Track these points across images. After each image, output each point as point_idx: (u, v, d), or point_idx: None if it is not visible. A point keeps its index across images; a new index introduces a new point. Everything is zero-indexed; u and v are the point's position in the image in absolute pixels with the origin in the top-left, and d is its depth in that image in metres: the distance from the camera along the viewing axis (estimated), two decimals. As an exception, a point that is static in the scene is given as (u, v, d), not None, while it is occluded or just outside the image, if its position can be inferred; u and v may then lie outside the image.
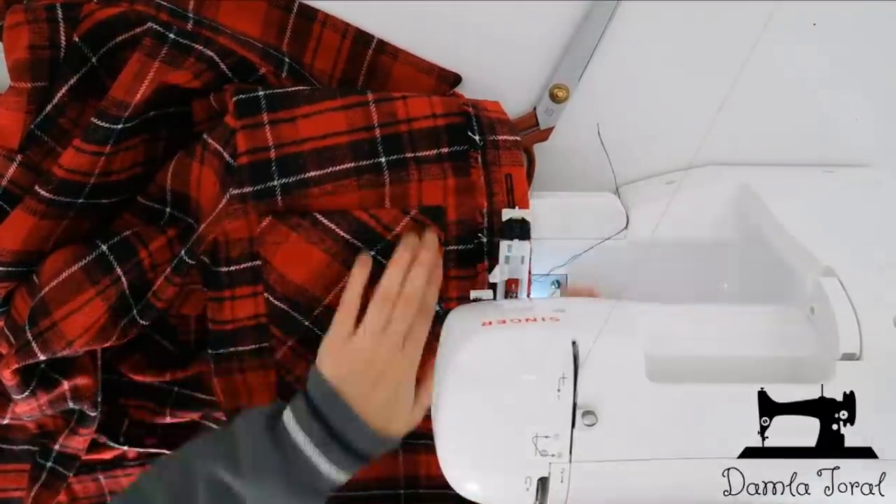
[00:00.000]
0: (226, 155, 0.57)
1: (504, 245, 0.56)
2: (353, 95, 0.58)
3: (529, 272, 0.58)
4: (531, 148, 0.68)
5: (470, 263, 0.58)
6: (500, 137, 0.59)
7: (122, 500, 0.55)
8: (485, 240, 0.58)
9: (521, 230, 0.56)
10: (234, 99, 0.57)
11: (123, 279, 0.58)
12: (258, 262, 0.58)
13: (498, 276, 0.57)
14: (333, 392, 0.52)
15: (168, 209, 0.63)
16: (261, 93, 0.57)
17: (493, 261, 0.58)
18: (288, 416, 0.53)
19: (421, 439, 0.64)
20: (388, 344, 0.54)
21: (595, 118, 0.68)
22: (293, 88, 0.58)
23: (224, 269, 0.58)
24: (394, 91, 0.65)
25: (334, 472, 0.52)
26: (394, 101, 0.58)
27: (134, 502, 0.54)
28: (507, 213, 0.57)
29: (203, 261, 0.58)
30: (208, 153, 0.59)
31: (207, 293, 0.60)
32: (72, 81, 0.58)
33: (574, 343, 0.48)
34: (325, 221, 0.58)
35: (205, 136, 0.59)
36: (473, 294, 0.57)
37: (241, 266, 0.58)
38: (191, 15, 0.62)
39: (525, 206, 0.58)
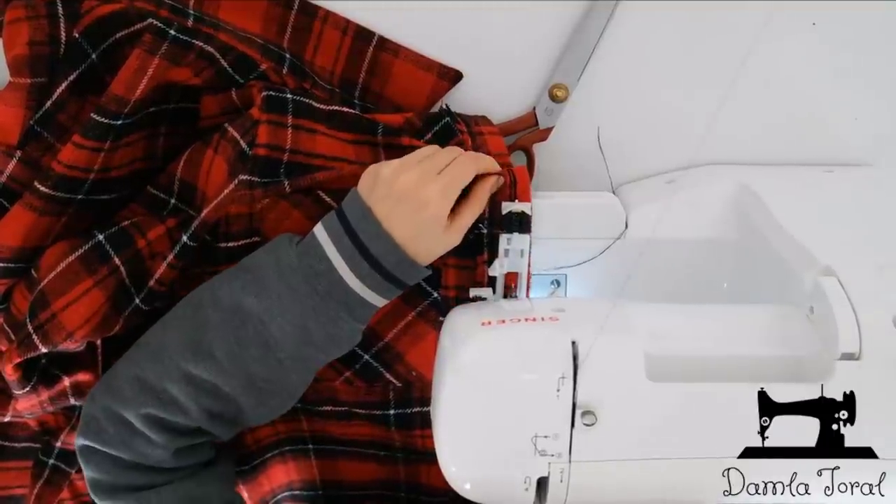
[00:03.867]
0: (242, 143, 0.58)
1: (504, 238, 0.56)
2: (366, 133, 0.60)
3: (529, 265, 0.58)
4: (531, 147, 0.68)
5: (470, 254, 0.58)
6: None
7: (134, 355, 0.55)
8: (485, 231, 0.58)
9: (520, 223, 0.57)
10: (265, 94, 0.58)
11: (122, 268, 0.58)
12: (257, 239, 0.58)
13: (497, 269, 0.57)
14: (364, 208, 0.53)
15: (173, 200, 0.63)
16: (289, 95, 0.58)
17: (493, 254, 0.58)
18: (319, 229, 0.54)
19: (421, 454, 0.65)
20: (421, 169, 0.53)
21: (594, 118, 0.68)
22: (317, 105, 0.59)
23: (223, 244, 0.59)
24: (395, 90, 0.65)
25: (359, 286, 0.52)
26: (401, 151, 0.60)
27: (145, 354, 0.55)
28: (507, 206, 0.57)
29: (204, 238, 0.58)
30: (224, 141, 0.59)
31: (206, 269, 0.60)
32: (71, 77, 0.58)
33: (573, 343, 0.48)
34: (327, 199, 0.59)
35: (226, 124, 0.60)
36: (473, 292, 0.57)
37: (240, 242, 0.59)
38: (191, 11, 0.62)
39: (527, 199, 0.58)
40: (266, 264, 0.54)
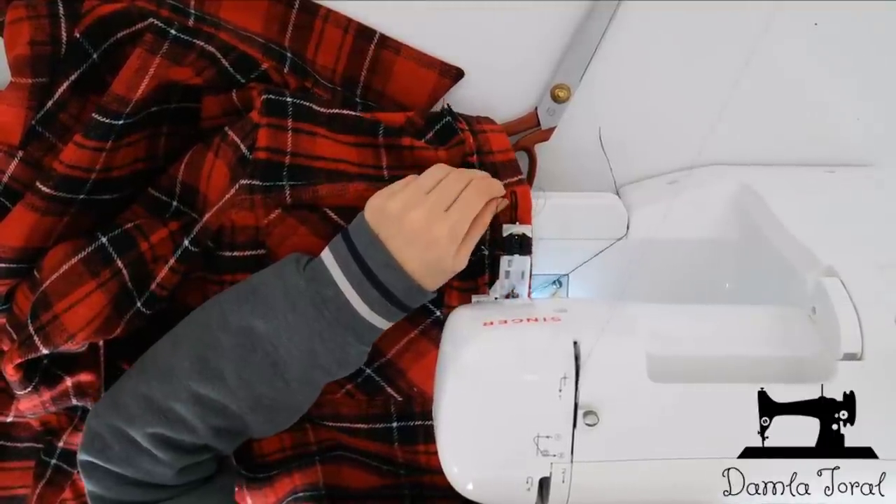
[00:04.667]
0: (243, 147, 0.57)
1: (504, 260, 0.56)
2: (367, 135, 0.60)
3: (529, 286, 0.58)
4: (532, 148, 0.68)
5: (471, 276, 0.58)
6: (504, 181, 0.60)
7: (141, 372, 0.55)
8: (486, 252, 0.58)
9: (521, 245, 0.56)
10: (264, 97, 0.58)
11: (125, 271, 0.58)
12: (262, 252, 0.58)
13: (498, 290, 0.57)
14: (372, 235, 0.52)
15: (175, 202, 0.63)
16: (289, 99, 0.58)
17: (494, 276, 0.58)
18: (327, 253, 0.54)
19: (424, 471, 0.65)
20: (429, 206, 0.53)
21: (596, 118, 0.68)
22: (317, 108, 0.59)
23: (228, 253, 0.58)
24: (397, 88, 0.65)
25: (367, 311, 0.52)
26: (402, 151, 0.60)
27: (152, 372, 0.54)
28: (507, 229, 0.57)
29: (207, 246, 0.58)
30: (225, 145, 0.59)
31: (209, 276, 0.60)
32: (73, 77, 0.58)
33: (575, 343, 0.48)
34: (334, 217, 0.58)
35: (226, 128, 0.60)
36: (475, 299, 0.57)
37: (246, 253, 0.58)
38: (192, 11, 0.61)
39: (527, 221, 0.58)
40: (274, 287, 0.54)
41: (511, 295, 0.57)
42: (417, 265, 0.52)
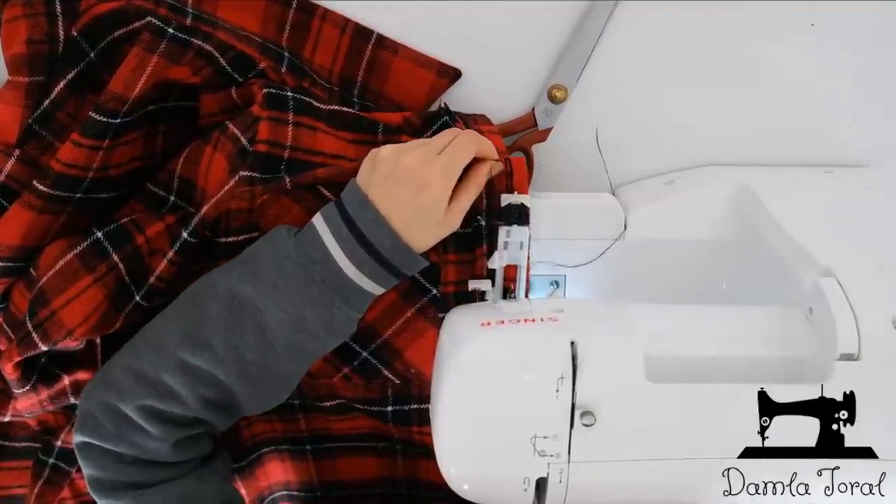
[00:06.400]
0: (243, 139, 0.58)
1: (503, 231, 0.56)
2: (366, 133, 0.60)
3: (528, 258, 0.57)
4: (530, 149, 0.68)
5: (468, 247, 0.58)
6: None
7: (129, 348, 0.55)
8: (483, 223, 0.58)
9: (519, 215, 0.56)
10: (265, 91, 0.58)
11: (121, 265, 0.58)
12: (256, 234, 0.59)
13: (497, 261, 0.57)
14: (362, 195, 0.53)
15: (172, 197, 0.63)
16: (290, 93, 0.58)
17: (492, 247, 0.58)
18: (318, 218, 0.54)
19: (419, 447, 0.65)
20: (422, 150, 0.53)
21: (593, 119, 0.68)
22: (318, 104, 0.60)
23: (223, 239, 0.59)
24: (394, 88, 0.65)
25: (355, 273, 0.52)
26: None
27: (141, 347, 0.55)
28: (506, 199, 0.57)
29: (205, 235, 0.58)
30: (224, 138, 0.59)
31: (206, 266, 0.59)
32: (70, 76, 0.58)
33: (573, 343, 0.48)
34: (328, 194, 0.59)
35: (227, 122, 0.60)
36: (472, 285, 0.56)
37: (240, 238, 0.59)
38: (190, 10, 0.62)
39: (524, 191, 0.58)
40: (263, 252, 0.54)
41: (508, 278, 0.57)
42: (408, 213, 0.52)
